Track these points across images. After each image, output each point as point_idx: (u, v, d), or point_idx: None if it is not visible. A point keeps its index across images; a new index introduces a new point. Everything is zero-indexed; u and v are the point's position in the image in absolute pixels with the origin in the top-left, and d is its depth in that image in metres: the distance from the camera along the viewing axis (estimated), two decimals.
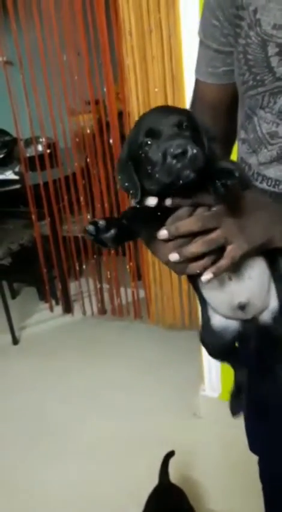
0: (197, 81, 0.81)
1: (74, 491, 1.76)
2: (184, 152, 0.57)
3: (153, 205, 0.63)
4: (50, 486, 1.79)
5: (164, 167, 0.58)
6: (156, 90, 2.10)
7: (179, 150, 0.57)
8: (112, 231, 0.62)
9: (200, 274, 0.63)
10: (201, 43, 0.76)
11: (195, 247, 0.61)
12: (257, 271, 0.70)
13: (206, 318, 0.77)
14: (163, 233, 0.62)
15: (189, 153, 0.57)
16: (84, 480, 1.80)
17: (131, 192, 0.64)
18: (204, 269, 0.63)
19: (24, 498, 1.75)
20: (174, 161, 0.57)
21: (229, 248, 0.62)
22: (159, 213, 0.64)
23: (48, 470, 1.86)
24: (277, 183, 0.70)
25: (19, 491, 1.79)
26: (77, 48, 2.34)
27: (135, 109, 2.18)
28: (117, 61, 2.28)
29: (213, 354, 0.80)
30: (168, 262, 0.64)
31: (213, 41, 0.73)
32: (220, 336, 0.75)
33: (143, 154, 0.61)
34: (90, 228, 0.62)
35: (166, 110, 0.63)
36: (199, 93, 0.81)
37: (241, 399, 0.79)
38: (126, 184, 0.65)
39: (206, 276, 0.62)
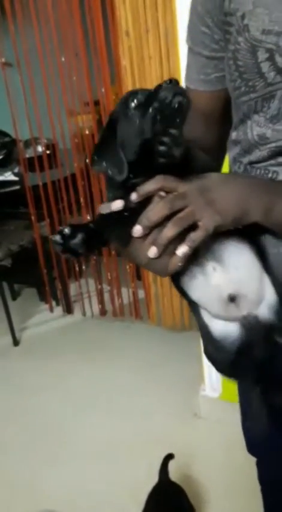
0: (187, 89, 0.78)
1: (74, 491, 1.75)
2: (177, 82, 0.61)
3: (120, 208, 0.62)
4: (50, 486, 1.79)
5: (157, 96, 0.60)
6: None
7: (172, 80, 0.60)
8: (79, 236, 0.60)
9: (183, 272, 0.62)
10: (191, 50, 0.75)
11: (168, 230, 0.60)
12: (243, 259, 0.67)
13: (204, 328, 0.74)
14: (137, 229, 0.61)
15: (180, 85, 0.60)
16: (84, 480, 1.80)
17: (112, 171, 0.63)
18: (186, 262, 0.62)
19: (23, 498, 1.75)
20: (169, 84, 0.60)
21: (201, 222, 0.61)
22: (126, 214, 0.63)
23: (49, 471, 1.86)
24: (266, 172, 0.70)
25: (19, 491, 1.79)
26: (75, 49, 2.34)
27: None
28: (114, 62, 2.27)
29: (221, 369, 0.76)
30: (149, 264, 0.63)
31: (204, 48, 0.72)
32: (223, 348, 0.71)
33: (129, 108, 0.63)
34: (57, 237, 0.60)
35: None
36: None
37: (262, 420, 0.73)
38: (104, 164, 0.64)
39: (182, 250, 0.60)
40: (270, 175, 0.69)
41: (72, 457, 1.92)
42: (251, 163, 0.71)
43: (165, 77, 2.04)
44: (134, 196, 0.62)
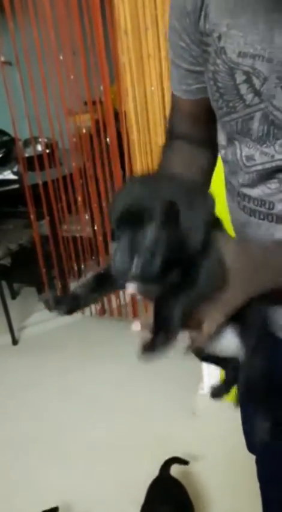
0: (173, 94, 0.80)
1: (73, 491, 1.75)
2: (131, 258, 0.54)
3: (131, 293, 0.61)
4: (48, 486, 1.79)
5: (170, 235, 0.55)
6: (152, 88, 2.10)
7: (120, 264, 0.55)
8: (64, 308, 0.63)
9: None
10: (172, 61, 0.75)
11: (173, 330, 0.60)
12: (223, 343, 0.67)
13: None
14: (135, 325, 0.62)
15: (135, 262, 0.54)
16: (82, 480, 1.80)
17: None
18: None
19: (22, 498, 1.75)
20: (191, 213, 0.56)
21: (205, 324, 0.61)
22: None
23: (48, 470, 1.86)
24: (262, 202, 0.68)
25: (17, 491, 1.79)
26: (73, 47, 2.34)
27: (132, 108, 2.18)
28: (113, 60, 2.27)
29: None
30: None
31: (183, 61, 0.72)
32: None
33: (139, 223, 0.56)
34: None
35: (138, 195, 0.56)
36: (177, 105, 0.80)
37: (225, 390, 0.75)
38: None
39: (181, 344, 0.61)
40: (266, 206, 0.68)
41: (71, 456, 1.92)
42: (243, 185, 0.70)
43: (165, 76, 2.04)
44: (134, 326, 0.62)
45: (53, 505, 1.56)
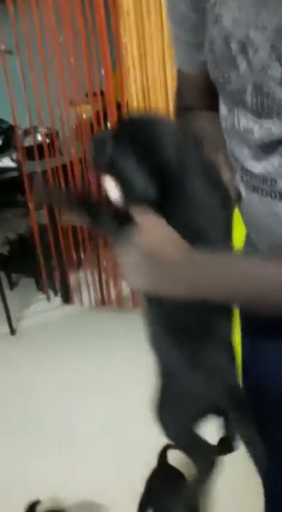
0: (178, 70, 0.78)
1: (71, 485, 1.72)
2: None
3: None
4: (46, 477, 1.76)
5: None
6: (154, 74, 2.06)
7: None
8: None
9: None
10: (173, 35, 0.73)
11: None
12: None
13: None
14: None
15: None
16: (80, 473, 1.77)
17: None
18: None
19: (18, 491, 1.72)
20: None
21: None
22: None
23: (44, 461, 1.83)
24: (264, 179, 0.66)
25: (13, 483, 1.76)
26: (75, 31, 2.30)
27: (134, 93, 2.14)
28: (115, 43, 2.23)
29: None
30: None
31: (184, 33, 0.70)
32: None
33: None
34: None
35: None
36: (182, 79, 0.79)
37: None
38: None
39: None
40: (269, 182, 0.66)
41: (68, 449, 1.89)
42: (245, 159, 0.68)
43: (167, 58, 2.01)
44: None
45: (48, 497, 1.53)
